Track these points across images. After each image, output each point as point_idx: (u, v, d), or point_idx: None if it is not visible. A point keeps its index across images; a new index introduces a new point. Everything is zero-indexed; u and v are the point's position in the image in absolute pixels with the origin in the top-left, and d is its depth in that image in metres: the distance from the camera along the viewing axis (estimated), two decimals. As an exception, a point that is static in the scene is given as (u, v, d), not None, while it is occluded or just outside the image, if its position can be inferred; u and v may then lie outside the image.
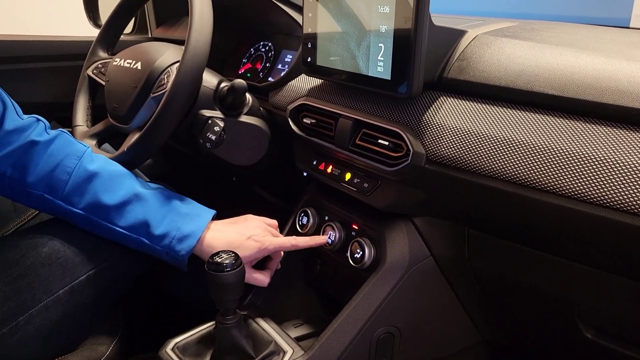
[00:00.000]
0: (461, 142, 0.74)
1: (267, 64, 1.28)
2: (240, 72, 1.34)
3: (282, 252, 0.98)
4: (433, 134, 0.77)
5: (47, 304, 0.83)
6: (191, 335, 0.90)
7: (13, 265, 0.83)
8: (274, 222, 0.99)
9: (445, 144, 0.75)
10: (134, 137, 0.99)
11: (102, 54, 1.19)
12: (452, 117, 0.76)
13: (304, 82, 1.04)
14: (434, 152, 0.77)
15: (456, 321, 0.95)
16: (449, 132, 0.76)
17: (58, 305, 0.84)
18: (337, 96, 0.94)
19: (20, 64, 1.35)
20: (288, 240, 0.94)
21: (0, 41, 1.34)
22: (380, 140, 0.83)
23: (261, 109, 1.12)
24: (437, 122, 0.77)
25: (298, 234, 1.05)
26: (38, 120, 0.89)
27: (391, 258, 0.86)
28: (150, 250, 0.89)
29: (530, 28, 0.87)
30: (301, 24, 0.95)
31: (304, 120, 0.98)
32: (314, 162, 1.00)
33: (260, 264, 0.98)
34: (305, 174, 1.13)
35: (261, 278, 0.94)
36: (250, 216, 0.98)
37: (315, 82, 1.01)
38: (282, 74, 1.12)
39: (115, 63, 1.09)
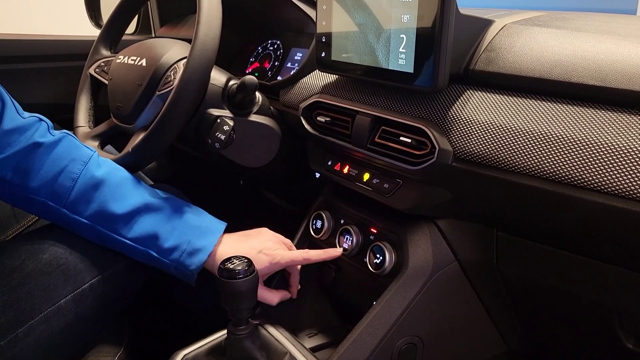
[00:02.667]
0: (493, 137, 0.69)
1: (276, 63, 1.24)
2: (247, 72, 1.30)
3: (299, 267, 0.94)
4: (461, 130, 0.72)
5: (47, 314, 0.78)
6: (201, 347, 0.85)
7: (11, 272, 0.78)
8: (288, 241, 0.95)
9: (474, 140, 0.70)
10: (138, 138, 0.94)
11: (105, 52, 1.14)
12: (481, 111, 0.71)
13: (317, 79, 0.99)
14: (462, 149, 0.72)
15: (481, 330, 0.90)
16: (478, 127, 0.71)
17: (59, 315, 0.79)
18: (353, 92, 0.89)
19: (20, 64, 1.31)
20: (300, 254, 0.89)
21: (-1, 40, 1.30)
22: (402, 138, 0.78)
23: (271, 108, 1.07)
24: (465, 117, 0.72)
25: (312, 239, 1.00)
26: (40, 119, 0.84)
27: (414, 263, 0.81)
28: (158, 264, 0.85)
29: (561, 17, 0.82)
30: (314, 18, 0.91)
31: (318, 118, 0.93)
32: (329, 163, 0.95)
33: (270, 279, 0.95)
34: (317, 175, 1.08)
35: (270, 296, 0.90)
36: (264, 230, 0.94)
37: (329, 78, 0.96)
38: (292, 72, 1.08)
39: (118, 60, 1.04)
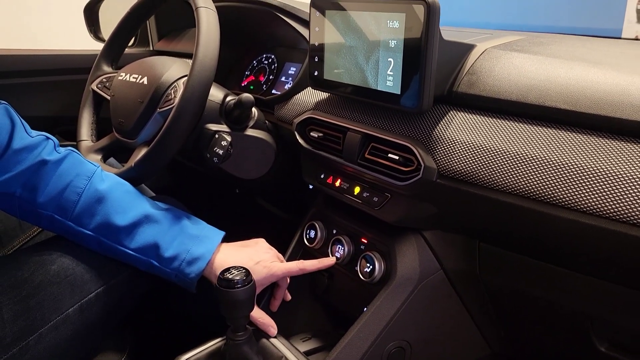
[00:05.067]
0: (473, 156, 0.74)
1: (271, 77, 1.28)
2: (243, 85, 1.34)
3: (289, 279, 0.99)
4: (444, 149, 0.77)
5: (56, 323, 0.82)
6: (200, 352, 0.89)
7: (22, 283, 0.82)
8: (280, 255, 0.99)
9: (457, 159, 0.75)
10: (141, 153, 0.98)
11: (107, 68, 1.18)
12: (463, 131, 0.76)
13: (310, 96, 1.04)
14: (445, 166, 0.77)
15: (466, 334, 0.95)
16: (460, 146, 0.76)
17: (68, 324, 0.83)
18: (344, 110, 0.94)
19: (24, 78, 1.35)
20: (296, 265, 0.94)
21: (3, 55, 1.34)
22: (390, 155, 0.83)
23: (267, 122, 1.12)
24: (448, 137, 0.77)
25: (306, 248, 1.04)
26: (47, 138, 0.88)
27: (402, 272, 0.86)
28: (160, 272, 0.89)
29: (538, 42, 0.88)
30: (306, 37, 0.95)
31: (311, 133, 0.98)
32: (322, 176, 0.99)
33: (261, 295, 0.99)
34: (311, 187, 1.12)
35: (266, 322, 0.92)
36: (261, 241, 0.98)
37: (322, 95, 1.01)
38: (286, 87, 1.12)
39: (120, 77, 1.08)
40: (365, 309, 0.92)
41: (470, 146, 0.75)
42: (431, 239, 0.87)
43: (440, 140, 0.78)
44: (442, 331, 0.92)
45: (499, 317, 0.91)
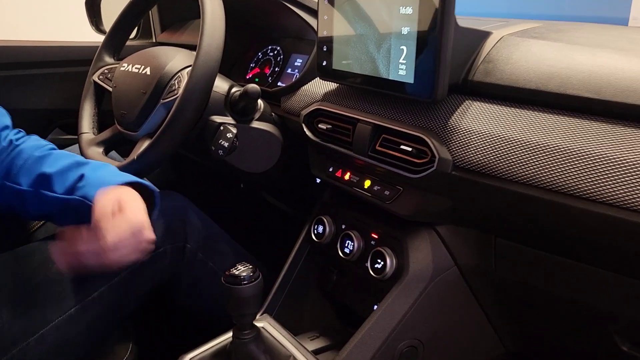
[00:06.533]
0: (491, 147, 0.71)
1: (276, 69, 1.26)
2: (248, 77, 1.31)
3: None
4: (460, 140, 0.74)
5: (58, 323, 0.80)
6: (205, 350, 0.86)
7: (23, 282, 0.80)
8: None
9: (473, 150, 0.72)
10: (143, 145, 0.96)
11: (109, 59, 1.16)
12: (480, 121, 0.73)
13: (318, 87, 1.01)
14: (461, 158, 0.74)
15: (480, 332, 0.92)
16: (477, 137, 0.72)
17: (69, 324, 0.81)
18: (354, 100, 0.91)
19: (23, 70, 1.32)
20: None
21: (1, 47, 1.31)
22: (402, 146, 0.80)
23: (273, 114, 1.09)
24: (464, 127, 0.74)
25: (314, 244, 1.01)
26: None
27: (414, 268, 0.83)
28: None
29: (556, 29, 0.84)
30: (314, 27, 0.92)
31: (319, 125, 0.95)
32: (330, 169, 0.96)
33: None
34: (318, 180, 1.10)
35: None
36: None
37: (331, 86, 0.98)
38: (293, 79, 1.09)
39: (122, 68, 1.06)
40: (375, 306, 0.89)
41: (487, 136, 0.71)
42: (445, 234, 0.84)
43: (455, 130, 0.75)
44: (456, 329, 0.89)
45: (515, 315, 0.88)
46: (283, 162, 1.10)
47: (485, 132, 0.72)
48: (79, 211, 0.82)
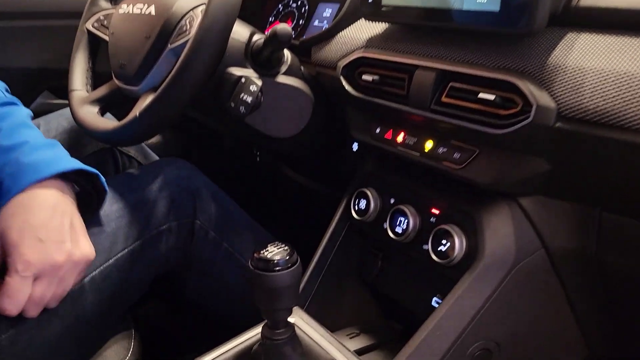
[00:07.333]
0: (614, 88, 0.53)
1: (301, 21, 1.09)
2: (266, 33, 1.14)
3: None
4: (567, 81, 0.56)
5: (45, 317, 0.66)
6: (225, 352, 0.70)
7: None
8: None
9: (589, 93, 0.54)
10: (146, 101, 0.79)
11: (104, 3, 0.99)
12: (595, 56, 0.56)
13: (360, 31, 0.84)
14: (570, 104, 0.56)
15: (564, 332, 0.75)
16: (593, 76, 0.55)
17: (55, 318, 0.65)
18: (409, 44, 0.74)
19: (6, 21, 1.15)
20: None
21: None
22: (481, 95, 0.62)
23: (302, 68, 0.91)
24: (572, 64, 0.57)
25: (353, 222, 0.84)
26: None
27: (491, 251, 0.66)
28: None
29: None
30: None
31: (363, 77, 0.78)
32: (377, 130, 0.79)
33: None
34: (355, 147, 0.92)
35: None
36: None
37: (375, 29, 0.81)
38: (324, 29, 0.92)
39: (121, 10, 0.88)
40: (434, 299, 0.73)
41: (608, 74, 0.54)
42: (530, 208, 0.66)
43: (559, 70, 0.57)
44: (536, 328, 0.72)
45: (612, 311, 0.71)
46: (314, 125, 0.92)
47: (604, 69, 0.54)
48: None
